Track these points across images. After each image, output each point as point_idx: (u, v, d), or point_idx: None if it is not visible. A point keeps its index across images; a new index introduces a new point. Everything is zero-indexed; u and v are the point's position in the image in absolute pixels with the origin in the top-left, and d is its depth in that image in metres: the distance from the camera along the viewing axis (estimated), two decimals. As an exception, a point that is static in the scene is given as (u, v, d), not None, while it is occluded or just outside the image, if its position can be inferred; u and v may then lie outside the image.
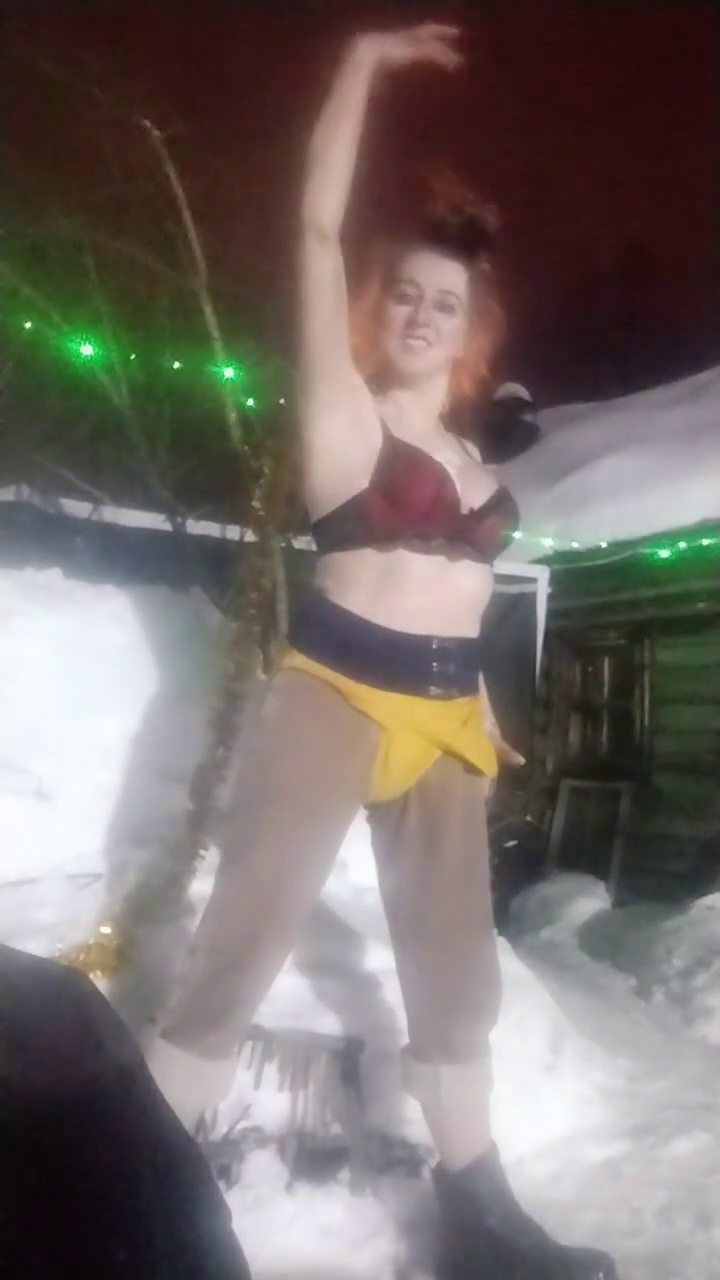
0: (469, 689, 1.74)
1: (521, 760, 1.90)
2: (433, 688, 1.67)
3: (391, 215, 1.75)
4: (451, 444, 1.81)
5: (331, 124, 1.53)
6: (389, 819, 1.76)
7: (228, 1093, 1.80)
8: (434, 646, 1.66)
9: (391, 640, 1.64)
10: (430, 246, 1.69)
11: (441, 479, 1.66)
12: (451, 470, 1.70)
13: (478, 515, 1.70)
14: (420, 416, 1.77)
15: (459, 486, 1.70)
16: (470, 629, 1.73)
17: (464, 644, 1.70)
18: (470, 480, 1.73)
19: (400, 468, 1.64)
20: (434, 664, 1.66)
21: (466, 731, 1.73)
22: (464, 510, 1.69)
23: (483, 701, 1.85)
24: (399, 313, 1.69)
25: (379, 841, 1.81)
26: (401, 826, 1.74)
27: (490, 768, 1.77)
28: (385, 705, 1.64)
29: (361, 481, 1.64)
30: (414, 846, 1.73)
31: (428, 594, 1.65)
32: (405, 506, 1.63)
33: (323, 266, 1.57)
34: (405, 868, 1.75)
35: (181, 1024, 1.67)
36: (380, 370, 1.75)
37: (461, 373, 1.81)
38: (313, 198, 1.54)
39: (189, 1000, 1.68)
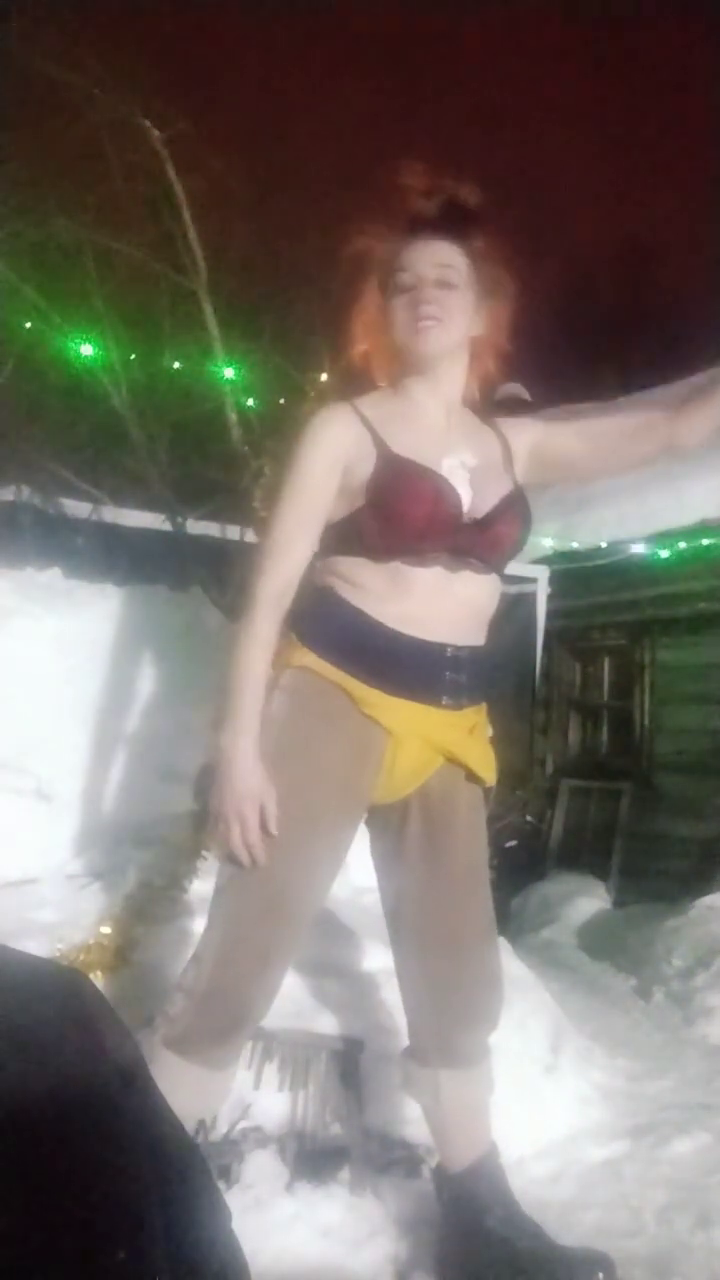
0: (478, 698, 1.72)
1: None
2: (445, 697, 1.64)
3: (372, 227, 1.71)
4: (474, 436, 1.74)
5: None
6: (390, 824, 1.74)
7: (228, 1098, 1.80)
8: (448, 655, 1.64)
9: (408, 646, 1.62)
10: (417, 235, 1.66)
11: (438, 493, 1.61)
12: (460, 475, 1.66)
13: (481, 525, 1.65)
14: (438, 409, 1.71)
15: (467, 494, 1.65)
16: (479, 637, 1.70)
17: (475, 653, 1.68)
18: (483, 483, 1.68)
19: (394, 486, 1.60)
20: (447, 673, 1.64)
21: (472, 740, 1.71)
22: (467, 520, 1.64)
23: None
24: (402, 302, 1.65)
25: (380, 846, 1.79)
26: (403, 832, 1.72)
27: (492, 777, 1.76)
28: (396, 712, 1.62)
29: (359, 499, 1.63)
30: (417, 853, 1.71)
31: (435, 602, 1.63)
32: (398, 525, 1.60)
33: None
34: (408, 874, 1.73)
35: (188, 1036, 1.62)
36: (397, 371, 1.72)
37: (483, 351, 1.76)
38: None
39: (196, 1012, 1.62)
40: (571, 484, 1.88)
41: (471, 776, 1.72)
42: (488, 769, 1.74)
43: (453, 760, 1.69)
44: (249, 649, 1.61)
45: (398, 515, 1.60)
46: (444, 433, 1.70)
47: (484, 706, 1.77)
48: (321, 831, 1.63)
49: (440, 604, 1.63)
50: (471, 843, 1.74)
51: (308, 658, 1.64)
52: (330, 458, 1.65)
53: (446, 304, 1.65)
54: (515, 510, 1.70)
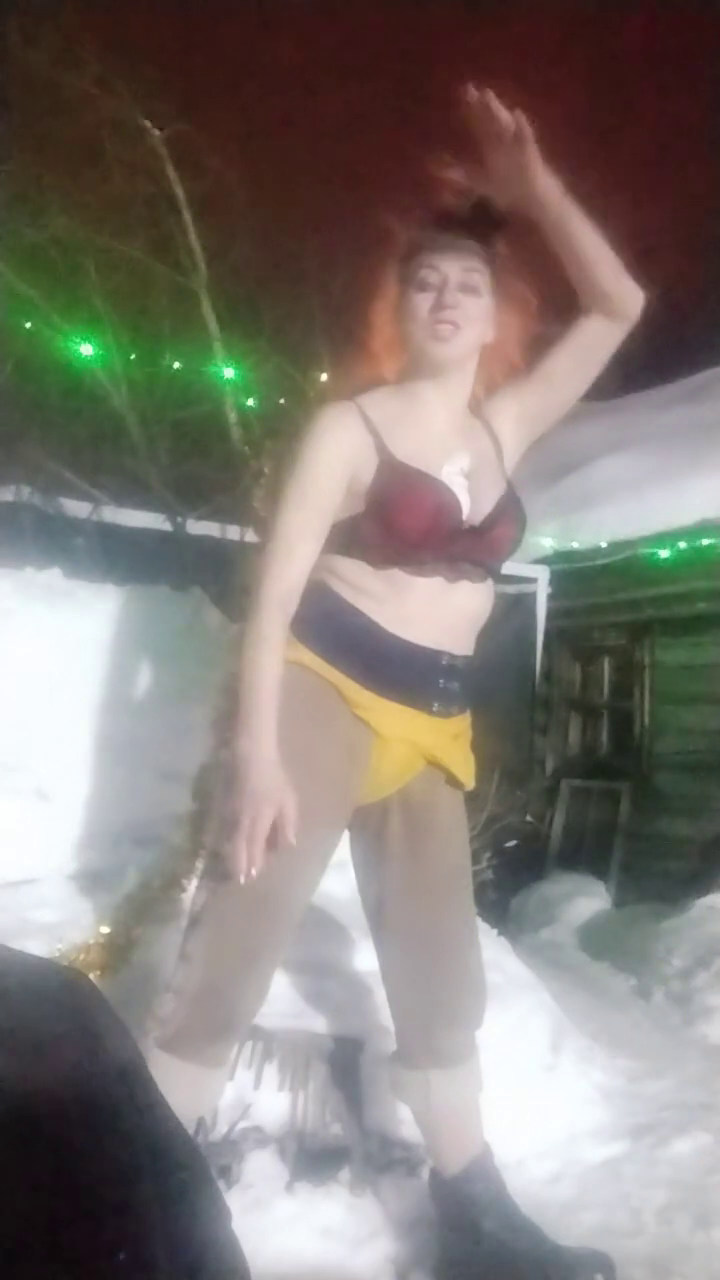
0: (466, 706, 1.73)
1: None
2: (436, 704, 1.65)
3: (398, 211, 1.69)
4: (470, 436, 1.72)
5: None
6: (370, 824, 1.74)
7: (222, 1096, 1.80)
8: (444, 663, 1.64)
9: (404, 650, 1.61)
10: (444, 232, 1.64)
11: (439, 503, 1.60)
12: (459, 482, 1.65)
13: (480, 530, 1.65)
14: (443, 412, 1.70)
15: (466, 500, 1.64)
16: (471, 647, 1.70)
17: (468, 662, 1.69)
18: (481, 486, 1.67)
19: (396, 494, 1.59)
20: (441, 680, 1.64)
21: (456, 745, 1.72)
22: (466, 526, 1.63)
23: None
24: (423, 300, 1.62)
25: (361, 846, 1.78)
26: (384, 833, 1.72)
27: (471, 781, 1.76)
28: (386, 715, 1.62)
29: (359, 504, 1.62)
30: (397, 854, 1.71)
31: (432, 609, 1.63)
32: (398, 533, 1.59)
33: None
34: (389, 875, 1.73)
35: (181, 1036, 1.62)
36: (406, 367, 1.70)
37: (492, 360, 1.74)
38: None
39: (188, 1012, 1.62)
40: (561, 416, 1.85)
41: (452, 780, 1.73)
42: (468, 774, 1.75)
43: (435, 764, 1.69)
44: (259, 652, 1.57)
45: (399, 524, 1.59)
46: (445, 437, 1.68)
47: (469, 714, 1.77)
48: (312, 831, 1.59)
49: (438, 611, 1.63)
50: (452, 845, 1.75)
51: (304, 654, 1.63)
52: (336, 459, 1.62)
53: (468, 310, 1.63)
54: (511, 512, 1.70)
